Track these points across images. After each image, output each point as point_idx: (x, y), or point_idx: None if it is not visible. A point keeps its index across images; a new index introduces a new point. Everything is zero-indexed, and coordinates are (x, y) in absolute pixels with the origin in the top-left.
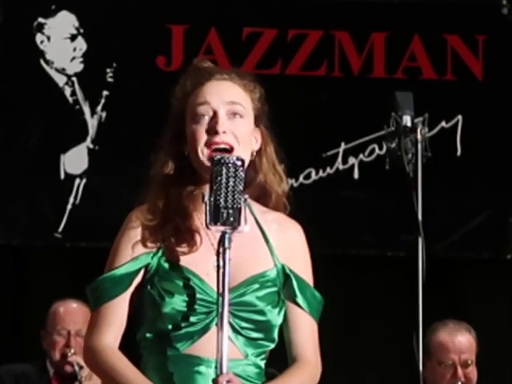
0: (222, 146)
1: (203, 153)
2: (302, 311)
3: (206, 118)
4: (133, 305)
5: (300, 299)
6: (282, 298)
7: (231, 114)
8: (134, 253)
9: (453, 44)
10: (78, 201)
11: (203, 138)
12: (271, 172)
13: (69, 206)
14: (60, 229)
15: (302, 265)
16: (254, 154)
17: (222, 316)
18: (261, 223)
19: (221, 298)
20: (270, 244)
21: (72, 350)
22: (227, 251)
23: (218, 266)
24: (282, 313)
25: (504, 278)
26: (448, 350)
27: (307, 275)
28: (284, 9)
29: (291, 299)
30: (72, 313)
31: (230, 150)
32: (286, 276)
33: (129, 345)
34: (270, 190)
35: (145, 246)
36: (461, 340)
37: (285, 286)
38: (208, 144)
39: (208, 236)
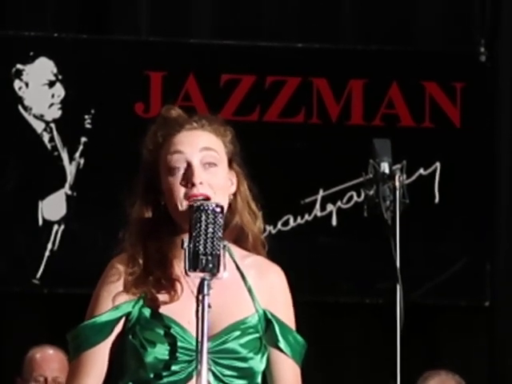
0: (200, 198)
1: (182, 205)
2: (284, 356)
3: (181, 170)
4: (113, 353)
5: (282, 344)
6: (265, 343)
7: (206, 164)
8: (115, 301)
9: (431, 91)
10: (56, 247)
11: (181, 190)
12: (246, 211)
13: (47, 253)
14: (38, 275)
15: (283, 308)
16: (232, 196)
17: (200, 363)
18: (241, 268)
19: (200, 346)
20: (251, 289)
21: None
22: (206, 298)
23: (197, 313)
24: (265, 358)
25: (482, 326)
26: None
27: (289, 319)
28: (262, 55)
29: (273, 344)
30: (49, 359)
31: (207, 200)
32: (267, 321)
33: None
34: (247, 230)
35: (126, 294)
36: None
37: (267, 331)
38: (186, 197)
39: (188, 284)
